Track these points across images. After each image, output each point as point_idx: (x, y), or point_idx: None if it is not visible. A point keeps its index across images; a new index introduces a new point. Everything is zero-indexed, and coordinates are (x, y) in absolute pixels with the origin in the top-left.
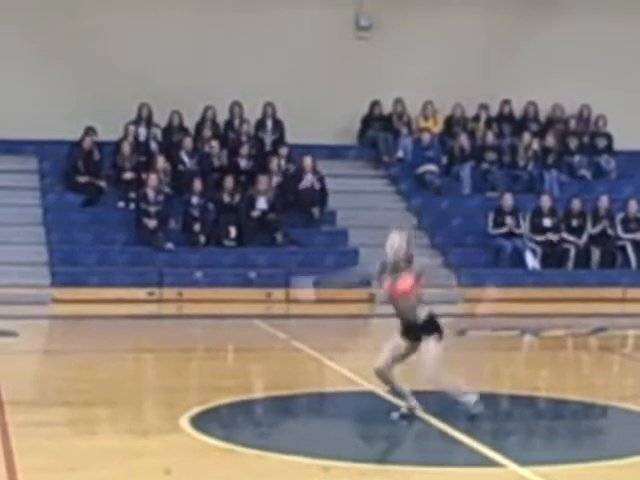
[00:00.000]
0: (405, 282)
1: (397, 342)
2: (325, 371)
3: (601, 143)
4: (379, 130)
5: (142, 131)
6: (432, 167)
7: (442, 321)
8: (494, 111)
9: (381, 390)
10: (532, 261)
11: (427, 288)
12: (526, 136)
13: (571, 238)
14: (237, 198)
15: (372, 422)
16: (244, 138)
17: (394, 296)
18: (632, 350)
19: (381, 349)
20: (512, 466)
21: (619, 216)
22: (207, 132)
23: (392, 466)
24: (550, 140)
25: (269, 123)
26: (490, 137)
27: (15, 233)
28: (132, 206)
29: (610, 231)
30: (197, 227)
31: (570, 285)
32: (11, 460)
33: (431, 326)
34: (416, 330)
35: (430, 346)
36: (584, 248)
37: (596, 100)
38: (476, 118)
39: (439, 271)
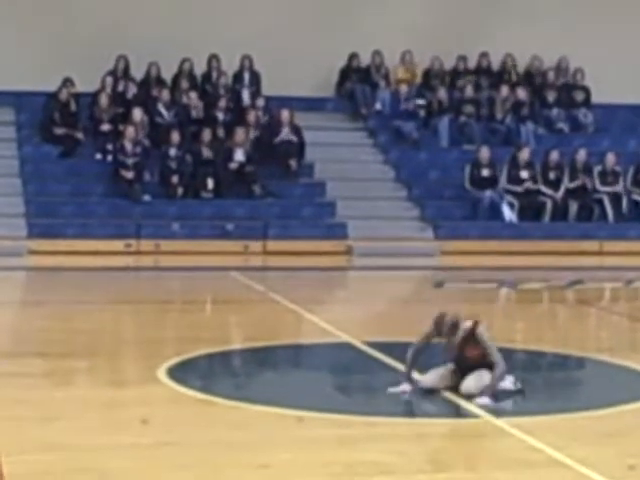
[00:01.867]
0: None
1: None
2: (303, 323)
3: (579, 96)
4: (357, 82)
5: (120, 83)
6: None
7: (419, 274)
8: (472, 63)
9: (358, 341)
10: (509, 214)
11: None
12: (504, 89)
13: (548, 191)
14: (214, 150)
15: (348, 373)
16: (222, 91)
17: None
18: (608, 303)
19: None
20: (487, 417)
21: (596, 169)
22: (184, 84)
23: (366, 417)
24: (522, 93)
25: (246, 76)
26: (468, 90)
27: None
28: (109, 158)
29: (587, 184)
30: (174, 179)
31: (547, 238)
32: None
33: None
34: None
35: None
36: (561, 201)
37: (574, 53)
38: (453, 72)
39: None
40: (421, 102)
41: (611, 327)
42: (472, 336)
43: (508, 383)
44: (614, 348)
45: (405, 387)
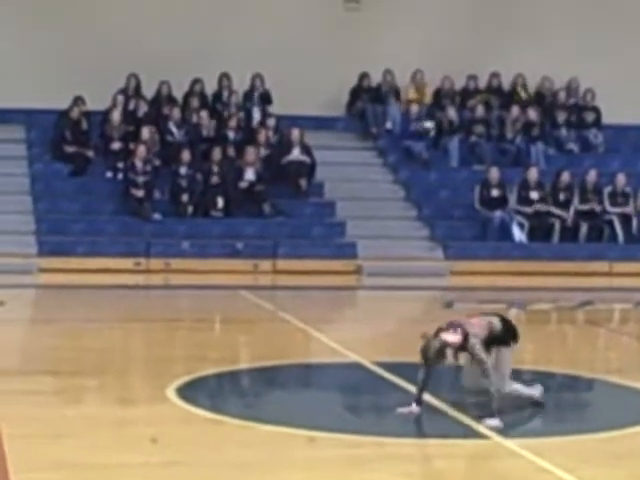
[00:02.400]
0: None
1: None
2: (312, 342)
3: (589, 117)
4: (367, 102)
5: (131, 101)
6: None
7: (429, 294)
8: (482, 83)
9: (367, 361)
10: (519, 234)
11: None
12: (514, 109)
13: (558, 212)
14: (225, 169)
15: (358, 393)
16: (232, 109)
17: None
18: (618, 324)
19: None
20: (497, 438)
21: (606, 190)
22: (195, 103)
23: (377, 437)
24: (533, 114)
25: (257, 94)
26: (479, 110)
27: (2, 202)
28: (120, 176)
29: (597, 205)
30: (185, 198)
31: (557, 259)
32: None
33: None
34: None
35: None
36: (571, 222)
37: (585, 73)
38: (463, 92)
39: None
40: (428, 125)
41: (621, 348)
42: (463, 349)
43: (537, 392)
44: (623, 369)
45: (414, 409)
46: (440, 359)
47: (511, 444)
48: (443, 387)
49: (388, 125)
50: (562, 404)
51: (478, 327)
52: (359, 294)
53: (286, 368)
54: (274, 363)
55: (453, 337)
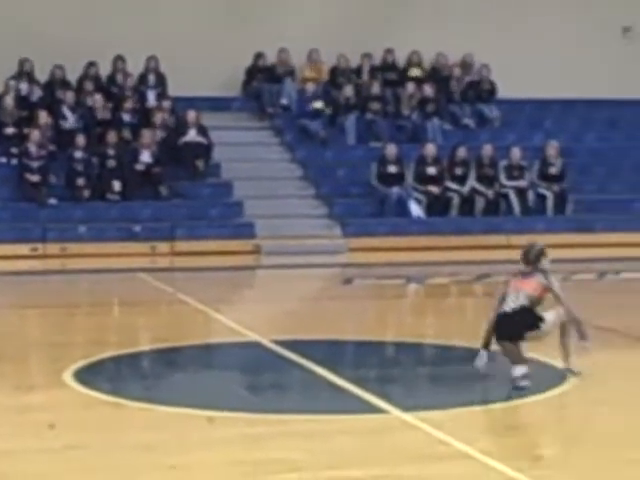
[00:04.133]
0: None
1: None
2: (211, 323)
3: (484, 92)
4: (263, 81)
5: (24, 86)
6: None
7: (328, 271)
8: (378, 60)
9: (266, 340)
10: (416, 210)
11: None
12: (409, 85)
13: (455, 186)
14: (121, 152)
15: (257, 372)
16: (127, 92)
17: None
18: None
19: None
20: (395, 412)
21: (502, 164)
22: (89, 86)
23: (277, 415)
24: (429, 90)
25: (152, 77)
26: (375, 87)
27: None
28: (14, 162)
29: (494, 178)
30: (81, 181)
31: (454, 233)
32: None
33: None
34: None
35: None
36: (468, 196)
37: (479, 49)
38: (359, 70)
39: None
40: (318, 105)
41: None
42: (545, 272)
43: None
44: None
45: (483, 356)
46: (538, 260)
47: (410, 417)
48: (342, 363)
49: (284, 101)
50: (462, 376)
51: None
52: (258, 274)
53: (185, 349)
54: (173, 345)
55: None
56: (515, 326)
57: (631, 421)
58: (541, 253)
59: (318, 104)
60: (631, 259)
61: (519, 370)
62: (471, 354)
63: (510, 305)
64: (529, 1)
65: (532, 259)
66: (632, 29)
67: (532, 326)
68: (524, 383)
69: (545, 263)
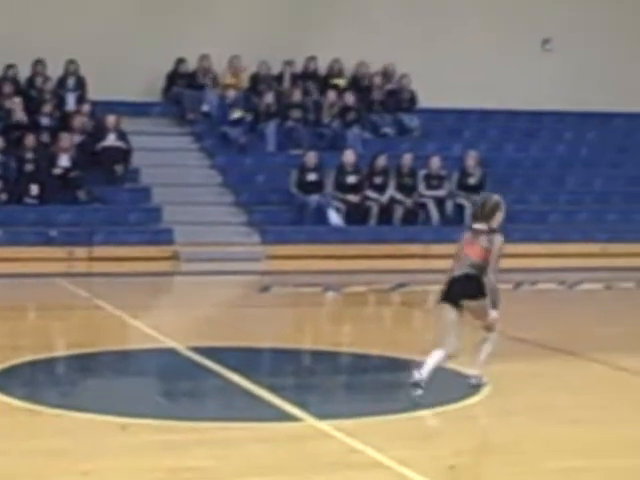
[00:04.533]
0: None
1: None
2: (128, 329)
3: (405, 101)
4: (184, 87)
5: None
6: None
7: (246, 279)
8: (299, 68)
9: (182, 347)
10: (335, 218)
11: None
12: (331, 94)
13: (374, 195)
14: (39, 156)
15: (173, 379)
16: (46, 96)
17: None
18: (433, 305)
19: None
20: (310, 420)
21: (422, 173)
22: (8, 89)
23: (191, 422)
24: (350, 98)
25: (71, 80)
26: (296, 94)
27: None
28: None
29: (413, 188)
30: None
31: (373, 242)
32: None
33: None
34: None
35: None
36: (387, 205)
37: (401, 58)
38: (280, 76)
39: None
40: (236, 116)
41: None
42: (492, 233)
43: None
44: None
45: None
46: (491, 216)
47: (324, 426)
48: (258, 371)
49: (204, 107)
50: (377, 385)
51: None
52: (176, 280)
53: (101, 355)
54: (89, 350)
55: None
56: (461, 289)
57: (543, 431)
58: (496, 207)
59: (237, 113)
60: (547, 270)
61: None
62: (388, 362)
63: (459, 270)
64: (450, 12)
65: (486, 213)
66: (551, 41)
67: (475, 295)
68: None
69: (499, 217)
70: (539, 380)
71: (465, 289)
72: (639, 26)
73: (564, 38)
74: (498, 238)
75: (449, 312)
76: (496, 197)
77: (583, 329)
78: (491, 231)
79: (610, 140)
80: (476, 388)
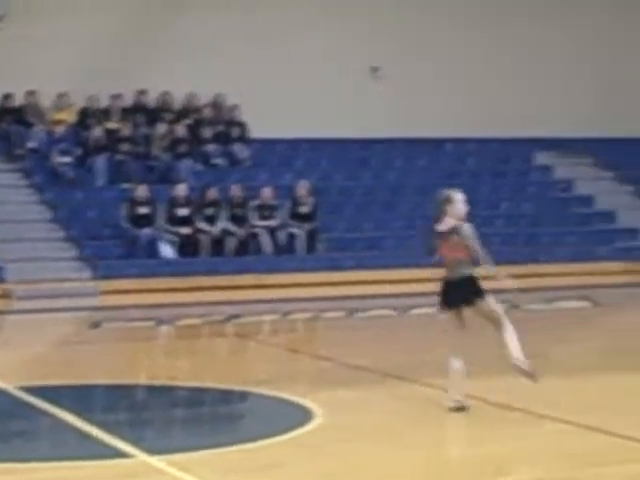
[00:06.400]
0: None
1: None
2: None
3: (235, 132)
4: (12, 123)
5: None
6: (66, 159)
7: (79, 315)
8: (129, 102)
9: (12, 387)
10: (168, 251)
11: None
12: (161, 126)
13: (206, 227)
14: None
15: (3, 420)
16: None
17: None
18: (267, 335)
19: None
20: (142, 456)
21: (253, 203)
22: None
23: (23, 463)
24: (180, 130)
25: None
26: (126, 128)
27: None
28: None
29: (244, 218)
30: None
31: (206, 273)
32: None
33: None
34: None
35: None
36: (219, 236)
37: (230, 89)
38: (109, 111)
39: None
40: (67, 160)
41: (270, 359)
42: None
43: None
44: (273, 380)
45: None
46: (445, 211)
47: (156, 461)
48: (91, 408)
49: (32, 144)
50: (212, 418)
51: None
52: (9, 319)
53: None
54: None
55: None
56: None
57: (380, 456)
58: (443, 202)
59: (65, 159)
60: (380, 296)
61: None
62: (222, 395)
63: (452, 273)
64: (279, 42)
65: (439, 213)
66: (379, 69)
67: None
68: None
69: (455, 209)
70: (372, 406)
71: (463, 295)
72: (467, 53)
73: (392, 66)
74: (464, 227)
75: (452, 318)
76: (441, 193)
77: (416, 354)
78: (454, 226)
79: (440, 166)
80: (460, 410)
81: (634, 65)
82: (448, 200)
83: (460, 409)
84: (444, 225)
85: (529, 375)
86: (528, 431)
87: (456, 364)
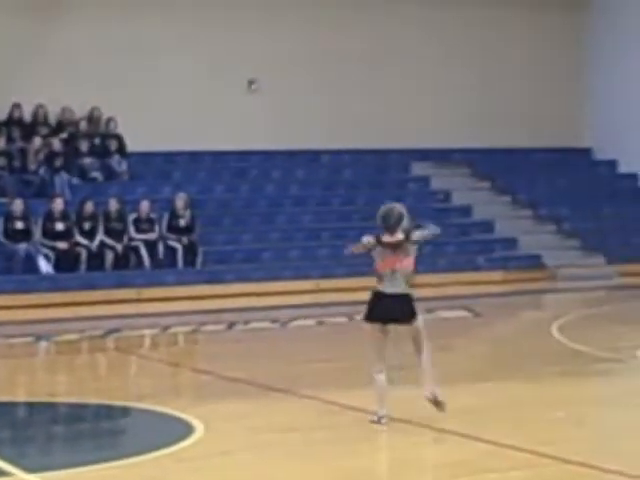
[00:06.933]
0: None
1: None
2: None
3: (112, 145)
4: None
5: None
6: None
7: None
8: (3, 115)
9: None
10: (45, 266)
11: None
12: (36, 140)
13: (84, 241)
14: None
15: None
16: None
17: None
18: (147, 350)
19: None
20: (21, 474)
21: (131, 217)
22: None
23: None
24: (56, 144)
25: None
26: (0, 142)
27: None
28: None
29: (122, 232)
30: None
31: (84, 288)
32: None
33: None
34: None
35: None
36: (97, 250)
37: (106, 102)
38: None
39: None
40: None
41: (150, 373)
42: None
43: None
44: (155, 394)
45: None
46: (398, 224)
47: (34, 479)
48: None
49: None
50: (93, 433)
51: None
52: None
53: None
54: None
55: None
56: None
57: (265, 468)
58: (401, 216)
59: None
60: (261, 309)
61: None
62: (103, 410)
63: (390, 287)
64: (154, 54)
65: (394, 224)
66: (256, 81)
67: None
68: None
69: (406, 223)
70: (251, 419)
71: (396, 312)
72: (341, 66)
73: (269, 78)
74: (416, 233)
75: (377, 332)
76: (397, 206)
77: (295, 366)
78: (406, 236)
79: (317, 178)
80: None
81: (509, 76)
82: (405, 216)
83: (378, 422)
84: (395, 237)
85: (440, 405)
86: (409, 440)
87: (379, 378)
